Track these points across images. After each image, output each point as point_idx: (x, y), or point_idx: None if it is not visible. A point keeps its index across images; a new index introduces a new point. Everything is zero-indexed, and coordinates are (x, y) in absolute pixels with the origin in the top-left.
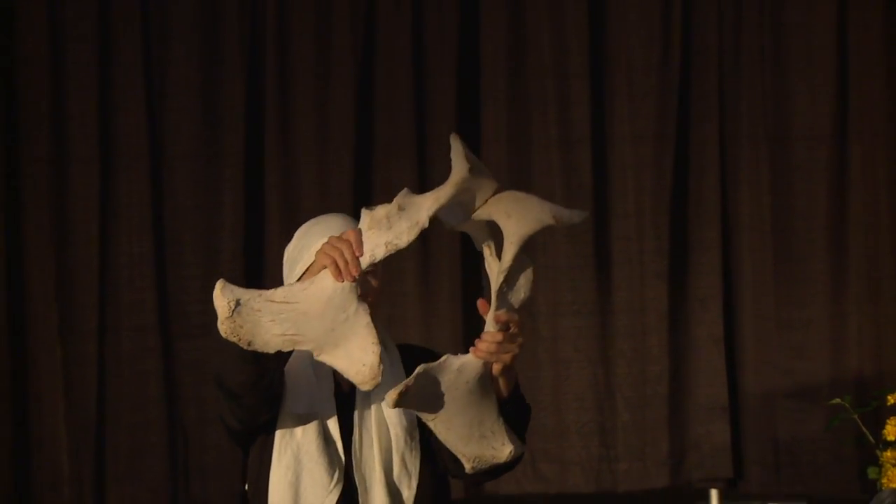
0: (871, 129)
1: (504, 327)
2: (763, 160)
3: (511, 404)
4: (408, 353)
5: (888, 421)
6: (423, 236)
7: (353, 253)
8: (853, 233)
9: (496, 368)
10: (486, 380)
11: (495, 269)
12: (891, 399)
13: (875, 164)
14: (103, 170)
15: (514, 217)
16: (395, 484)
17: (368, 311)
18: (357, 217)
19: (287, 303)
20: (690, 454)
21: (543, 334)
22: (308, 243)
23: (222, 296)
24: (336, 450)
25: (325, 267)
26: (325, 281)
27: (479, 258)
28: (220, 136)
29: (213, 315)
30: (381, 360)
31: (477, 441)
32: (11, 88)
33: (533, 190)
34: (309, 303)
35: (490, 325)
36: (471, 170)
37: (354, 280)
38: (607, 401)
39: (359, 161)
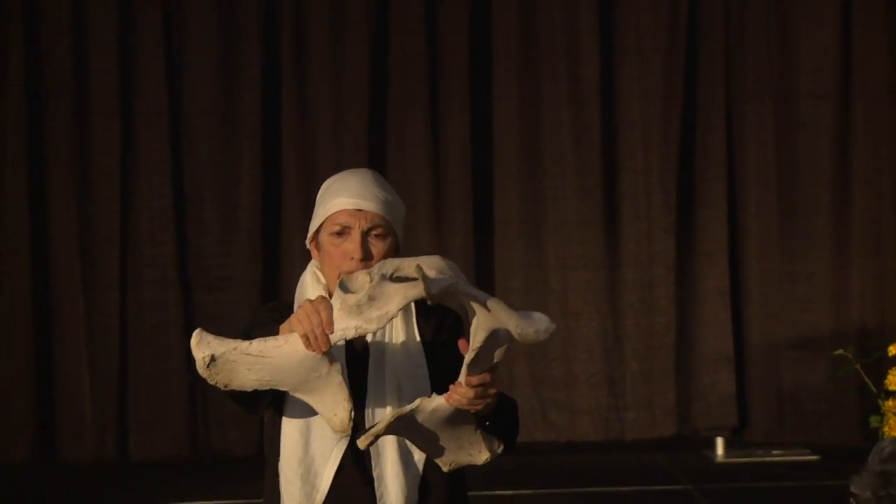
0: (874, 86)
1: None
2: (768, 117)
3: (491, 418)
4: (417, 304)
5: (889, 371)
6: (436, 169)
7: (323, 330)
8: (856, 188)
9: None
10: (460, 411)
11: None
12: (892, 350)
13: (878, 121)
14: (124, 126)
15: (488, 309)
16: (405, 441)
17: (340, 370)
18: (380, 167)
19: (262, 356)
20: (697, 403)
21: (554, 287)
22: (324, 200)
23: (198, 349)
24: None
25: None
26: (299, 344)
27: (491, 192)
28: (238, 94)
29: (232, 268)
30: (351, 415)
31: (454, 451)
32: (35, 46)
33: (543, 147)
34: (283, 359)
35: (462, 377)
36: (433, 296)
37: (324, 354)
38: (616, 351)
39: (373, 116)
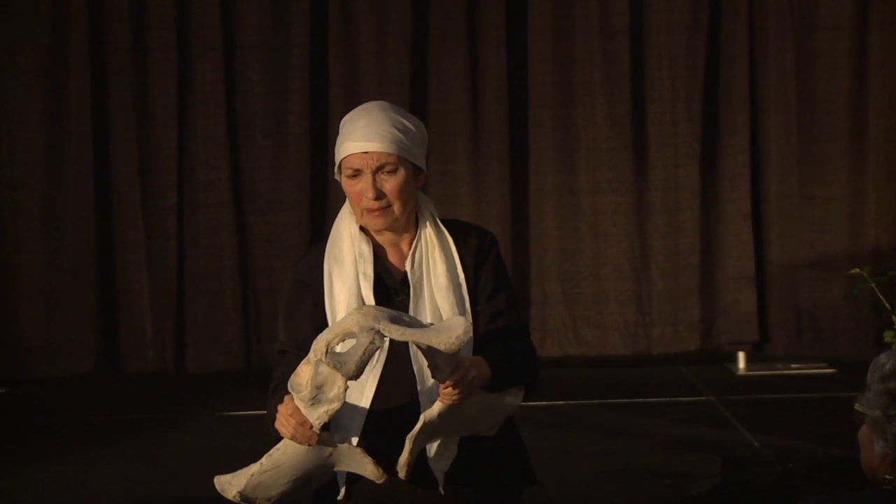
0: (891, 18)
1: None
2: (789, 49)
3: (493, 383)
4: (454, 228)
5: None
6: (474, 99)
7: (304, 430)
8: (872, 116)
9: (456, 400)
10: (462, 402)
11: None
12: None
13: (893, 51)
14: (180, 58)
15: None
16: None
17: (343, 440)
18: (412, 101)
19: (277, 466)
20: (719, 320)
21: (585, 210)
22: (339, 141)
23: (226, 494)
24: None
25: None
26: (296, 443)
27: (526, 120)
28: (287, 28)
29: (282, 192)
30: (377, 466)
31: (484, 420)
32: None
33: (575, 78)
34: (294, 459)
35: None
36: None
37: (317, 444)
38: (643, 271)
39: (415, 49)
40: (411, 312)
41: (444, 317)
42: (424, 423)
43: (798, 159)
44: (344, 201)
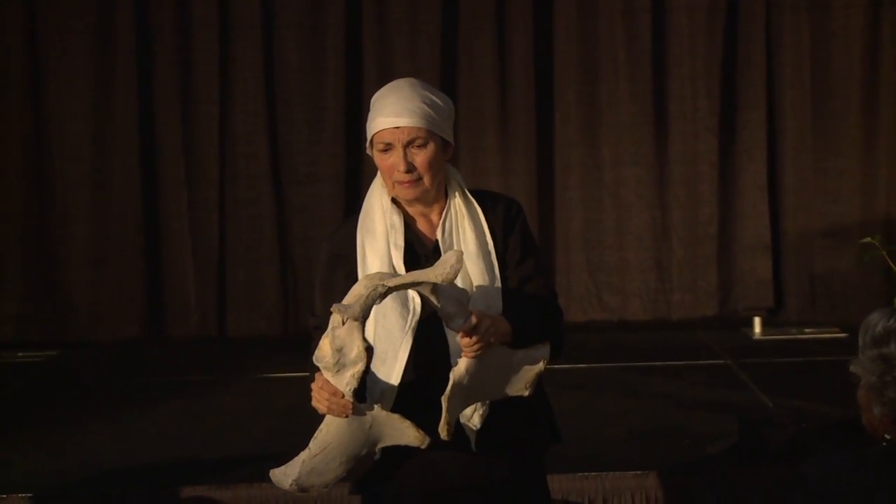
0: None
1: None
2: (804, 27)
3: (517, 336)
4: (481, 198)
5: None
6: (502, 77)
7: (338, 400)
8: (884, 91)
9: (476, 353)
10: (491, 354)
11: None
12: None
13: None
14: (222, 37)
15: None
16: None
17: (384, 409)
18: (442, 79)
19: (324, 449)
20: (736, 287)
21: (608, 182)
22: (370, 117)
23: (284, 485)
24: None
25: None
26: (335, 419)
27: (552, 97)
28: (324, 8)
29: (319, 165)
30: (418, 430)
31: (517, 379)
32: None
33: (599, 55)
34: (338, 437)
35: (458, 337)
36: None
37: (353, 413)
38: (664, 240)
39: (445, 29)
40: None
41: (475, 284)
42: (454, 381)
43: (812, 133)
44: (376, 174)
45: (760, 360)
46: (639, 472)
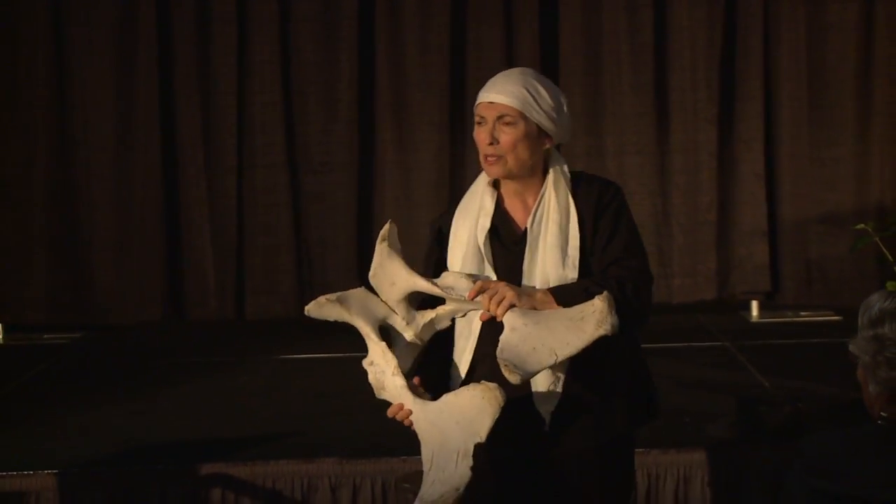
0: None
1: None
2: (800, 20)
3: (559, 295)
4: (578, 183)
5: None
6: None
7: (399, 413)
8: (877, 83)
9: (500, 314)
10: (521, 314)
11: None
12: None
13: None
14: (240, 30)
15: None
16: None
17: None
18: (452, 69)
19: (429, 459)
20: (735, 271)
21: (611, 171)
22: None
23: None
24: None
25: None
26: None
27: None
28: (338, 2)
29: (333, 154)
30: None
31: (576, 333)
32: None
33: (603, 48)
34: (424, 436)
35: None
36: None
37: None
38: (664, 226)
39: (454, 22)
40: (525, 265)
41: (548, 273)
42: (502, 343)
43: (808, 123)
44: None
45: (758, 342)
46: (640, 450)
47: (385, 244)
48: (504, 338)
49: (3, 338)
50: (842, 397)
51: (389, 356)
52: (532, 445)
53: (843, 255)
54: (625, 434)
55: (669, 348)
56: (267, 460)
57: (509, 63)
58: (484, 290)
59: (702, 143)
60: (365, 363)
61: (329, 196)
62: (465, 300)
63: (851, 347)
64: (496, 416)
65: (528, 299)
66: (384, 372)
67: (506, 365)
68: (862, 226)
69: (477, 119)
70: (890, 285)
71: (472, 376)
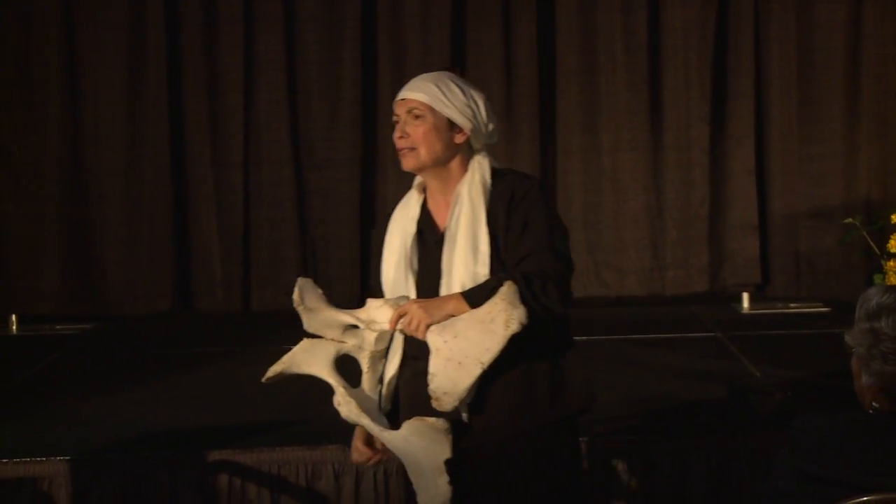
0: None
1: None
2: (790, 21)
3: (471, 298)
4: (497, 180)
5: (891, 236)
6: (508, 67)
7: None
8: (865, 81)
9: (422, 337)
10: (450, 325)
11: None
12: (894, 218)
13: (885, 22)
14: (246, 30)
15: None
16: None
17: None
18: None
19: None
20: (726, 264)
21: (606, 167)
22: None
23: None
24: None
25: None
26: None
27: (554, 86)
28: (341, 3)
29: (336, 150)
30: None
31: (494, 325)
32: None
33: (598, 47)
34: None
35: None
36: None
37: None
38: (658, 221)
39: (454, 22)
40: (443, 264)
41: (461, 271)
42: (432, 370)
43: (798, 120)
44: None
45: (748, 332)
46: (634, 437)
47: (301, 307)
48: (432, 365)
49: (18, 328)
50: (830, 385)
51: (348, 398)
52: (453, 438)
53: (832, 249)
54: (553, 421)
55: (663, 339)
56: (272, 447)
57: (507, 63)
58: (402, 315)
59: (694, 139)
60: (335, 404)
61: (332, 191)
62: (387, 330)
63: (847, 338)
64: (450, 434)
65: (440, 312)
66: (351, 410)
67: (437, 398)
68: (850, 220)
69: (393, 119)
70: (877, 278)
71: (401, 376)
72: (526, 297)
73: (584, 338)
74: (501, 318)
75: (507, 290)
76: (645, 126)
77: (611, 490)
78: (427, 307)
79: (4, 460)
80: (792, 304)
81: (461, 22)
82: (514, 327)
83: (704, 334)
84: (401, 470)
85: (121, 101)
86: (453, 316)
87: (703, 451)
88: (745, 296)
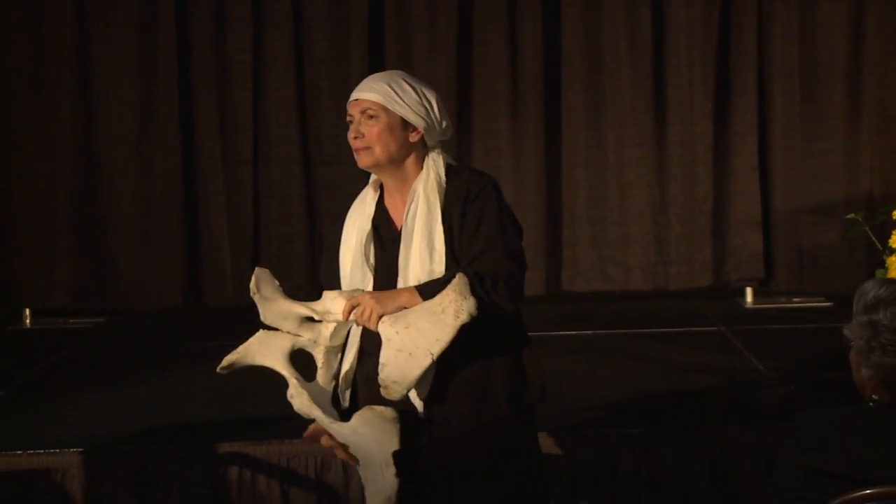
0: None
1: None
2: (793, 18)
3: (423, 291)
4: (453, 178)
5: (893, 231)
6: (514, 65)
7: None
8: (867, 78)
9: (374, 328)
10: (401, 317)
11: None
12: (895, 214)
13: (886, 20)
14: (255, 29)
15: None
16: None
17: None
18: (458, 67)
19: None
20: (730, 259)
21: (611, 162)
22: None
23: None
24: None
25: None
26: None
27: (559, 83)
28: (349, 2)
29: (344, 146)
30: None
31: (442, 323)
32: None
33: (603, 45)
34: (363, 443)
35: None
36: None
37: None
38: (662, 216)
39: (461, 21)
40: (400, 263)
41: (417, 269)
42: (382, 359)
43: (800, 117)
44: None
45: (752, 327)
46: (638, 430)
47: (257, 296)
48: (383, 354)
49: (31, 322)
50: (832, 379)
51: (301, 389)
52: (409, 434)
53: (834, 244)
54: (509, 416)
55: (667, 333)
56: (282, 440)
57: (513, 61)
58: (355, 306)
59: (698, 136)
60: (288, 396)
61: (341, 187)
62: (342, 322)
63: (846, 331)
64: (399, 425)
65: (393, 304)
66: (303, 402)
67: (386, 386)
68: (852, 215)
69: (347, 119)
70: (879, 273)
71: (359, 374)
72: (477, 291)
73: (589, 332)
74: (452, 309)
75: (458, 281)
76: (649, 123)
77: (615, 482)
78: (380, 298)
79: (18, 452)
80: (795, 299)
81: (467, 21)
82: (464, 318)
83: (708, 329)
84: None
85: (132, 100)
86: (406, 308)
87: (707, 444)
88: (749, 291)
